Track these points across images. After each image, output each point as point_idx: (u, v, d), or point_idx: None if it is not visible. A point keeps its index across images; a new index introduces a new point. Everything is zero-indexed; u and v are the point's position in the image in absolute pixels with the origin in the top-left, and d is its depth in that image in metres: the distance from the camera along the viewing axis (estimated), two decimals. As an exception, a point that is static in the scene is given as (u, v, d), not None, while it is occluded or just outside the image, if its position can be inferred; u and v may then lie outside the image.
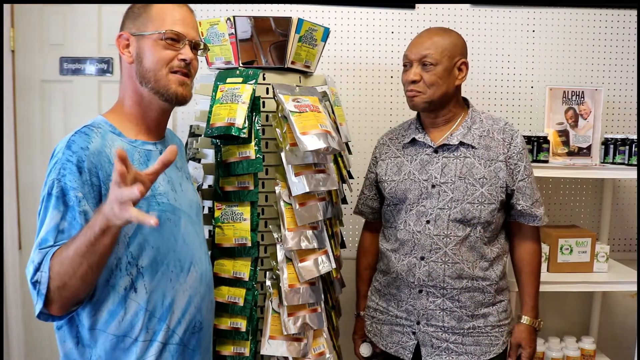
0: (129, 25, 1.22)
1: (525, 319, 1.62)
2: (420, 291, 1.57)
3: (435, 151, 1.58)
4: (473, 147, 1.55)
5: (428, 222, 1.55)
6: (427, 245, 1.55)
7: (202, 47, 1.27)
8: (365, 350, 1.76)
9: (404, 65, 1.58)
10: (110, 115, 1.24)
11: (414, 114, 1.70)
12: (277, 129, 1.51)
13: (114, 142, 1.17)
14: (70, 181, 1.08)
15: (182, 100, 1.23)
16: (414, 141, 1.63)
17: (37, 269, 1.04)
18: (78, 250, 1.00)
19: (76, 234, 1.03)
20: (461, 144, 1.56)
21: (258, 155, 1.46)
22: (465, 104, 1.64)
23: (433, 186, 1.56)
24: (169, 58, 1.20)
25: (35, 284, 1.04)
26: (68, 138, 1.13)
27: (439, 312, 1.56)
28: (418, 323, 1.58)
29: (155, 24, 1.19)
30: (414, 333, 1.59)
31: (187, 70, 1.22)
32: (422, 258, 1.55)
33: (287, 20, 1.53)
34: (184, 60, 1.20)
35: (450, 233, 1.53)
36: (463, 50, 1.57)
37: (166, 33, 1.19)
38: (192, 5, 1.28)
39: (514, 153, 1.56)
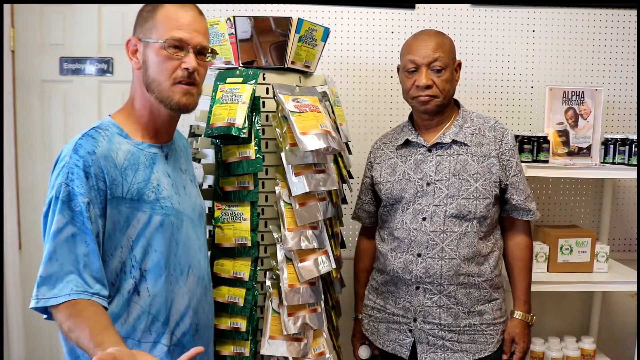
0: (138, 29, 1.20)
1: (518, 314, 1.63)
2: (418, 288, 1.58)
3: (429, 150, 1.60)
4: (465, 145, 1.58)
5: (424, 219, 1.57)
6: (424, 242, 1.56)
7: (209, 51, 1.23)
8: (364, 352, 1.77)
9: (409, 70, 1.57)
10: (118, 116, 1.23)
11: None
12: (277, 129, 1.51)
13: (121, 146, 1.17)
14: (77, 186, 1.08)
15: (186, 110, 1.21)
16: (407, 142, 1.65)
17: (42, 285, 1.06)
18: (79, 344, 1.01)
19: (87, 324, 1.00)
20: (454, 142, 1.59)
21: (258, 155, 1.46)
22: (455, 104, 1.67)
23: (428, 184, 1.58)
24: (173, 69, 1.16)
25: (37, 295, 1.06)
26: (75, 141, 1.12)
27: (436, 309, 1.56)
28: (415, 320, 1.59)
29: (159, 30, 1.16)
30: (410, 331, 1.60)
31: (192, 79, 1.18)
32: (419, 255, 1.56)
33: (287, 20, 1.53)
34: (187, 69, 1.16)
35: (447, 229, 1.55)
36: (455, 52, 1.62)
37: (167, 42, 1.15)
38: (192, 6, 1.26)
39: (505, 150, 1.59)
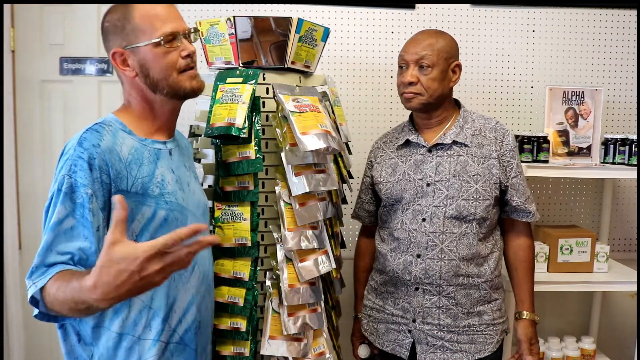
0: (117, 39, 1.19)
1: (527, 315, 1.63)
2: (417, 289, 1.58)
3: (429, 151, 1.60)
4: (466, 146, 1.58)
5: (424, 220, 1.56)
6: (423, 242, 1.56)
7: (192, 31, 1.26)
8: (363, 351, 1.77)
9: (400, 67, 1.61)
10: (120, 114, 1.24)
11: (413, 114, 1.72)
12: (277, 129, 1.51)
13: (125, 140, 1.17)
14: (80, 178, 1.08)
15: (198, 92, 1.26)
16: (407, 142, 1.65)
17: (34, 273, 1.04)
18: (67, 294, 0.97)
19: (76, 277, 0.97)
20: (454, 142, 1.58)
21: (258, 155, 1.46)
22: (456, 104, 1.67)
23: (428, 185, 1.57)
24: (175, 61, 1.20)
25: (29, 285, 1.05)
26: (80, 135, 1.13)
27: (435, 310, 1.56)
28: (414, 321, 1.59)
29: (146, 32, 1.17)
30: (409, 331, 1.60)
31: (193, 62, 1.23)
32: (419, 256, 1.56)
33: (287, 20, 1.53)
34: (188, 55, 1.21)
35: (446, 230, 1.55)
36: (457, 53, 1.61)
37: (164, 38, 1.17)
38: (192, 6, 1.27)
39: (506, 151, 1.59)
